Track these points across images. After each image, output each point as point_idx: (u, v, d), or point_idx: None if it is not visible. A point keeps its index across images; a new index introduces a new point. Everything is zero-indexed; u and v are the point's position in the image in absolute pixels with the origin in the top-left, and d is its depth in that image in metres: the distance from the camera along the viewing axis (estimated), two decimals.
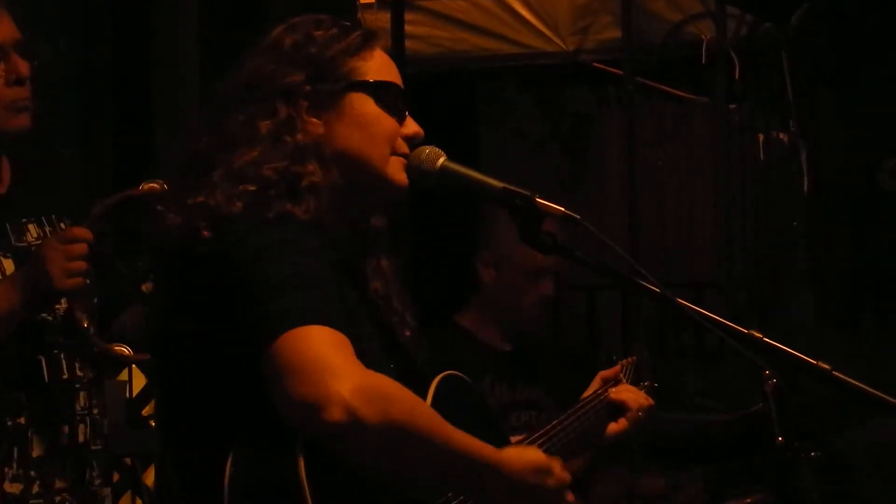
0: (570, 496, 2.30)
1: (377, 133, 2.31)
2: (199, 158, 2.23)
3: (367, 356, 2.06)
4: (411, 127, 2.36)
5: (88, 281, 2.98)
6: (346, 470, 2.05)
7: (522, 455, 2.23)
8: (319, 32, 2.30)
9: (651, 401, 3.00)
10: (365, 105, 2.31)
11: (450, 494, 2.26)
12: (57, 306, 3.08)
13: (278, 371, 1.99)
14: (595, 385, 2.99)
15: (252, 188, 2.15)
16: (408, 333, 2.41)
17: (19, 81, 3.04)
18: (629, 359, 3.07)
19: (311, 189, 2.19)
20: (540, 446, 2.63)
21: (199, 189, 2.18)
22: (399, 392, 2.06)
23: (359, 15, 5.26)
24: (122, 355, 3.06)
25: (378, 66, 2.33)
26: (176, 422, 2.23)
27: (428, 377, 2.36)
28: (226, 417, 2.13)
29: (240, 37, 2.39)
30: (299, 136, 2.23)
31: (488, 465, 2.15)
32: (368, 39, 2.34)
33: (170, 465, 2.23)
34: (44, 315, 3.07)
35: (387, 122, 2.32)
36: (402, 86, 2.37)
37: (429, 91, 2.27)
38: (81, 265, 2.91)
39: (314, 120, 2.26)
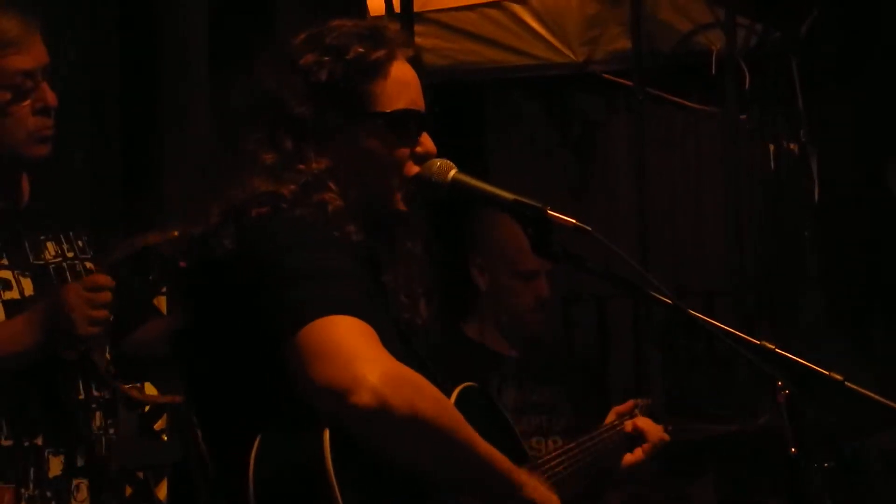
0: None
1: (383, 168, 2.32)
2: (210, 175, 2.26)
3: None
4: (424, 146, 2.36)
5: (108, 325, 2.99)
6: (369, 452, 2.07)
7: (537, 487, 2.25)
8: (335, 54, 2.29)
9: (667, 437, 3.09)
10: (372, 140, 2.31)
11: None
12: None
13: (306, 358, 2.01)
14: (610, 418, 3.07)
15: (266, 209, 2.17)
16: (418, 323, 2.43)
17: (45, 111, 3.00)
18: (645, 399, 3.15)
19: (336, 213, 2.21)
20: (554, 467, 2.68)
21: (214, 204, 2.20)
22: (426, 385, 2.09)
23: None
24: (139, 398, 3.07)
25: (394, 89, 2.32)
26: (209, 417, 2.25)
27: (438, 381, 2.37)
28: (254, 408, 2.15)
29: (250, 39, 2.38)
30: (314, 166, 2.24)
31: (504, 477, 2.17)
32: (390, 59, 2.33)
33: (206, 462, 2.25)
34: None
35: (394, 155, 2.32)
36: (422, 101, 2.37)
37: (438, 98, 2.29)
38: (105, 314, 2.92)
39: (321, 153, 2.26)
